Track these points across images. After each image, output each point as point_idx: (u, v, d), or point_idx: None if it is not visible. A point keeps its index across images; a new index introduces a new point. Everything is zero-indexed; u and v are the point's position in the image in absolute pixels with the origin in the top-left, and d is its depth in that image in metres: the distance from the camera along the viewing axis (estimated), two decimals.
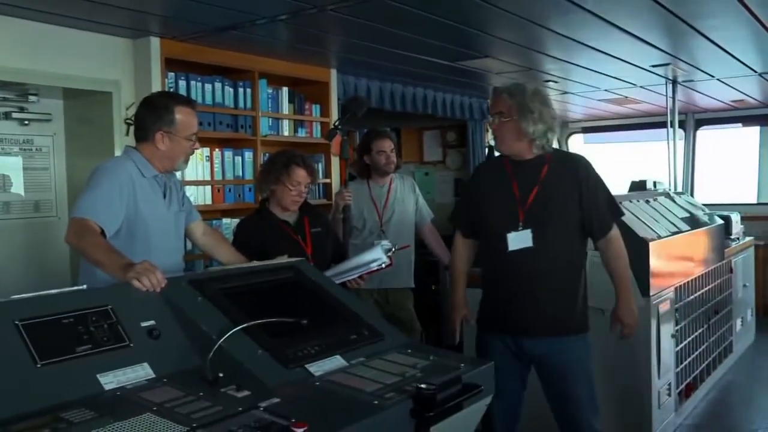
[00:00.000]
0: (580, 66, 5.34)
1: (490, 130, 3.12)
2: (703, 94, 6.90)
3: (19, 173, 4.08)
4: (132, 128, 4.01)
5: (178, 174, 4.18)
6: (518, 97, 2.86)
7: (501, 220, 2.90)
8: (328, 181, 5.21)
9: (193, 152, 2.90)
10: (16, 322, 1.81)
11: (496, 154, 3.18)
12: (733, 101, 7.45)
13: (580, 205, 2.90)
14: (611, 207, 3.01)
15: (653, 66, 5.34)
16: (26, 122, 4.07)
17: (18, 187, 4.07)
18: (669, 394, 4.38)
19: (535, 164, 2.92)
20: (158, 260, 2.34)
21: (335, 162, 5.13)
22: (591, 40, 4.49)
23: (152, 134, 2.79)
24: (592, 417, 2.96)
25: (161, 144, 2.79)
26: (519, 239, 2.86)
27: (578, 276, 2.98)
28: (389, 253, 3.34)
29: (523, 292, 2.89)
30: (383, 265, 3.34)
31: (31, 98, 4.04)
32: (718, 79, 6.03)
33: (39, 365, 1.76)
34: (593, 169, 2.99)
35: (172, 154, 2.82)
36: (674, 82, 6.05)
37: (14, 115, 4.01)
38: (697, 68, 5.50)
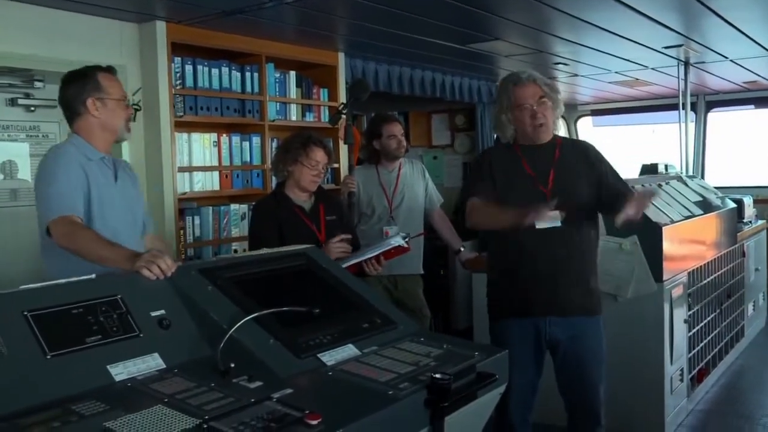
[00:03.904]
0: (591, 48, 5.27)
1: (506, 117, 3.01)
2: (715, 75, 6.81)
3: (26, 160, 4.05)
4: (137, 113, 4.04)
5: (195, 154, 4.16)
6: (544, 80, 2.96)
7: (525, 201, 2.84)
8: (336, 166, 5.16)
9: (131, 118, 2.78)
10: (25, 313, 1.79)
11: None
12: (745, 83, 7.35)
13: (599, 183, 2.94)
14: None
15: (665, 47, 5.27)
16: (32, 108, 4.04)
17: (25, 174, 4.05)
18: (681, 380, 4.35)
19: (547, 148, 2.98)
20: None
21: (344, 147, 5.09)
22: (602, 21, 4.42)
23: (83, 105, 2.67)
24: (601, 404, 3.01)
25: (95, 111, 2.67)
26: (547, 219, 2.86)
27: (596, 256, 3.06)
28: (405, 239, 3.40)
29: (553, 271, 2.90)
30: (403, 245, 3.41)
31: (37, 84, 3.99)
32: (731, 60, 5.94)
33: (49, 356, 1.73)
34: (599, 151, 3.10)
35: (109, 120, 2.70)
36: (686, 64, 5.96)
37: (20, 101, 3.97)
38: (710, 49, 5.42)
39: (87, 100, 2.67)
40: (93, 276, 2.11)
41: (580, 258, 2.95)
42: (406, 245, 3.45)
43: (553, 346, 2.98)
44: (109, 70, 2.77)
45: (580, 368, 2.97)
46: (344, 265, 3.05)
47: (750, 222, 6.23)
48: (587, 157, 3.00)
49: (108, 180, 2.72)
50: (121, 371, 1.80)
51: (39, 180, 2.64)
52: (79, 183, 2.59)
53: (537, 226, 2.85)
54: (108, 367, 1.79)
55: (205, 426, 1.55)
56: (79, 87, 2.68)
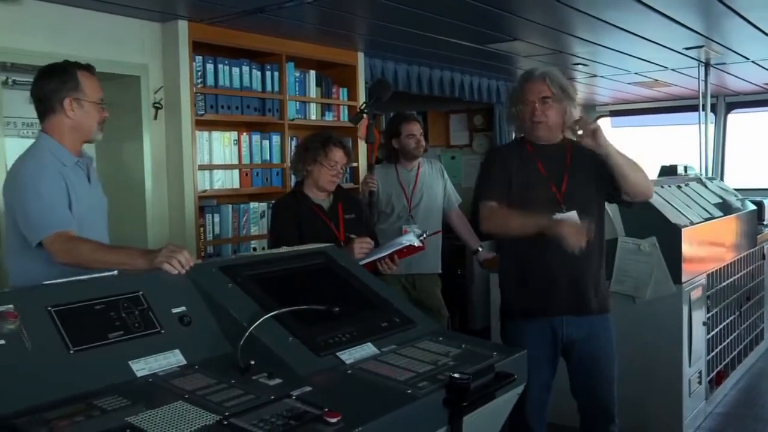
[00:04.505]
0: (611, 48, 5.24)
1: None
2: (736, 76, 6.75)
3: None
4: (159, 112, 4.07)
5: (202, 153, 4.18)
6: (558, 81, 2.92)
7: (540, 202, 2.88)
8: (355, 165, 5.18)
9: (104, 120, 2.67)
10: (49, 308, 1.81)
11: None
12: (766, 84, 7.29)
13: (602, 175, 2.89)
14: None
15: (686, 48, 5.23)
16: None
17: None
18: (700, 383, 4.32)
19: (558, 148, 2.97)
20: None
21: (362, 146, 5.11)
22: (622, 22, 4.40)
23: (58, 103, 2.56)
24: (614, 401, 3.01)
25: (71, 112, 2.57)
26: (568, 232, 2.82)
27: (604, 255, 3.08)
28: (420, 238, 3.36)
29: (569, 272, 2.89)
30: (415, 244, 3.36)
31: None
32: (752, 62, 5.89)
33: (72, 351, 1.76)
34: None
35: (84, 123, 2.61)
36: (707, 65, 5.92)
37: None
38: (731, 50, 5.37)
39: (64, 99, 2.57)
40: (115, 272, 2.14)
41: (593, 258, 2.95)
42: (419, 244, 3.39)
43: (568, 346, 2.98)
44: (89, 68, 2.68)
45: (595, 367, 2.98)
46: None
47: None
48: (595, 161, 2.91)
49: (83, 183, 2.67)
50: (142, 367, 1.82)
51: (18, 191, 2.52)
52: (63, 192, 2.53)
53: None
54: (130, 362, 1.82)
55: (226, 422, 1.57)
56: (58, 83, 2.58)
